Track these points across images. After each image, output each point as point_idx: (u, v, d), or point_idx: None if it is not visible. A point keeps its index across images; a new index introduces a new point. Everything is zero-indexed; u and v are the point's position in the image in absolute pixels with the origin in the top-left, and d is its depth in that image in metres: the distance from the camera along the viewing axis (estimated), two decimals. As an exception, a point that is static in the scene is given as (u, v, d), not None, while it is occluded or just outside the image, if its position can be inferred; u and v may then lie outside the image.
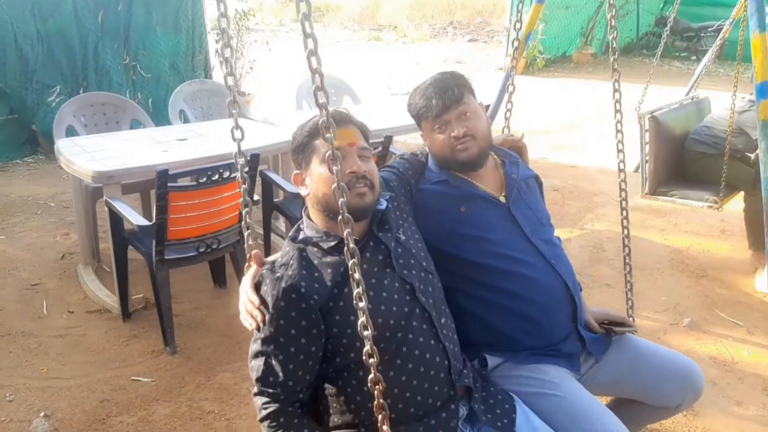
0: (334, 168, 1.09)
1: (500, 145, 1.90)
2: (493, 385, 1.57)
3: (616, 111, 2.09)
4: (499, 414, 1.47)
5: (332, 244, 1.40)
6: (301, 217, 1.51)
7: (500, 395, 1.53)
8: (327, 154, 1.11)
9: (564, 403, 1.54)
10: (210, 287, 3.29)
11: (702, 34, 11.48)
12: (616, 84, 2.09)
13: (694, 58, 11.05)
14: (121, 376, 2.56)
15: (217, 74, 6.55)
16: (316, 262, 1.38)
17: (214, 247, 2.79)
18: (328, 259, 1.38)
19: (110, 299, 3.05)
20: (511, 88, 2.22)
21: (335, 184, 1.10)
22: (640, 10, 12.66)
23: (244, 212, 1.50)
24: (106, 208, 2.80)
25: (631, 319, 1.93)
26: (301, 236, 1.46)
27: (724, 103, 3.61)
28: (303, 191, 1.47)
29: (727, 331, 3.03)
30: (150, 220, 2.66)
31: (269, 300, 1.33)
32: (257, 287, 1.38)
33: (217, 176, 2.58)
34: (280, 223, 3.76)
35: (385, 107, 4.89)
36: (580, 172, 5.45)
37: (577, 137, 6.63)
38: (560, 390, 1.56)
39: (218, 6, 1.39)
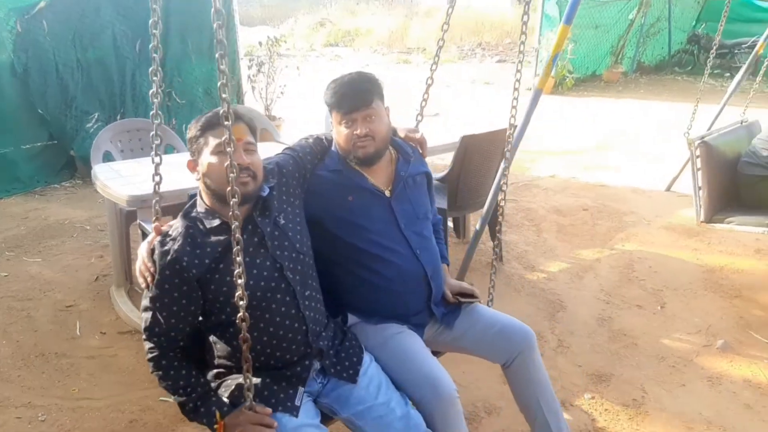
0: (226, 163, 1.41)
1: (402, 139, 2.12)
2: (350, 340, 1.88)
3: (515, 89, 2.33)
4: (347, 366, 1.80)
5: (215, 224, 1.66)
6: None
7: (352, 349, 1.85)
8: (214, 147, 1.62)
9: (395, 349, 1.88)
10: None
11: (736, 51, 11.29)
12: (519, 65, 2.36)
13: (728, 75, 10.86)
14: (149, 396, 2.60)
15: (249, 99, 6.70)
16: (199, 239, 1.64)
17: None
18: (210, 238, 1.65)
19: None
20: (429, 81, 2.48)
21: (232, 174, 1.41)
22: (672, 27, 12.53)
23: (154, 184, 1.82)
24: (139, 231, 2.87)
25: (476, 291, 2.17)
26: (192, 212, 1.70)
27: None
28: (195, 176, 1.70)
29: (762, 353, 2.94)
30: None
31: (158, 266, 1.61)
32: (151, 252, 1.64)
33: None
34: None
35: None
36: (611, 192, 5.37)
37: (608, 157, 6.54)
38: (394, 340, 1.91)
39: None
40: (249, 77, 6.59)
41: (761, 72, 4.58)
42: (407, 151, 2.08)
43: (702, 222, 3.57)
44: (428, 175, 2.14)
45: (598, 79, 11.49)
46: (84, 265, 3.86)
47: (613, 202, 5.08)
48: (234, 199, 1.41)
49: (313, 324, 1.76)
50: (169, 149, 4.01)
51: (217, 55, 1.37)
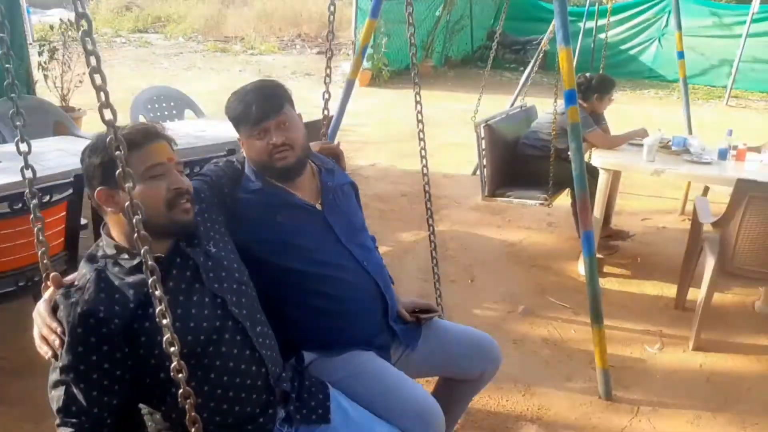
0: (126, 185, 1.11)
1: (318, 152, 1.96)
2: (309, 379, 1.62)
3: (419, 121, 2.33)
4: (314, 406, 1.54)
5: (135, 263, 1.33)
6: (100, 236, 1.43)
7: (314, 387, 1.59)
8: (145, 171, 1.29)
9: (371, 378, 1.67)
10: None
11: (528, 47, 12.59)
12: (418, 96, 2.31)
13: (522, 69, 12.09)
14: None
15: (41, 89, 6.00)
16: (117, 283, 1.32)
17: (36, 279, 2.54)
18: (131, 279, 1.32)
19: None
20: (326, 96, 2.28)
21: (162, 199, 1.26)
22: (474, 25, 13.62)
23: (36, 230, 1.44)
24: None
25: (435, 304, 2.12)
26: (100, 254, 1.38)
27: (548, 108, 4.01)
28: (112, 209, 1.36)
29: (556, 314, 3.35)
30: (-43, 254, 2.37)
31: (66, 326, 1.26)
32: (54, 311, 1.30)
33: (35, 201, 2.36)
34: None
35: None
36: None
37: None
38: (366, 368, 1.69)
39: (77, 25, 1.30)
40: (40, 64, 5.90)
41: (537, 63, 5.20)
42: (327, 162, 1.92)
43: (486, 196, 3.99)
44: (354, 185, 1.98)
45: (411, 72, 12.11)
46: None
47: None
48: (136, 216, 1.13)
49: (272, 364, 1.48)
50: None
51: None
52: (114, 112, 1.09)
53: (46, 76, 5.89)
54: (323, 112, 2.37)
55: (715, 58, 11.43)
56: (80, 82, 6.09)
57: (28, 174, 1.42)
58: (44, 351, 1.30)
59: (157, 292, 1.10)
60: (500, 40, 5.53)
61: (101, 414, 1.29)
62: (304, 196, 1.78)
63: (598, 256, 3.61)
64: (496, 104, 5.08)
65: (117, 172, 1.11)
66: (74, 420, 1.27)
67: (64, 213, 2.52)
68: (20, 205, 2.33)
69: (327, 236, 1.75)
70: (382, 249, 3.95)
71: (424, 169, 2.33)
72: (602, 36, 6.39)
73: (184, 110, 4.80)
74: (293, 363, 1.66)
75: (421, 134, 2.28)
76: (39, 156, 3.12)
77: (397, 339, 1.83)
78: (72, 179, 2.51)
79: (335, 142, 2.10)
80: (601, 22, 6.53)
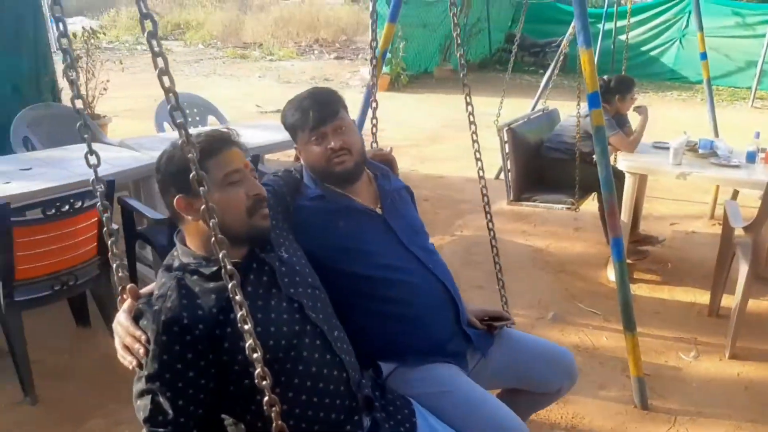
0: (201, 189, 1.11)
1: (371, 159, 1.94)
2: (391, 392, 1.58)
3: (471, 123, 2.23)
4: (401, 419, 1.50)
5: (214, 269, 1.32)
6: (168, 245, 1.42)
7: (398, 401, 1.55)
8: (223, 177, 1.32)
9: (456, 398, 1.61)
10: (73, 328, 3.02)
11: (547, 50, 12.51)
12: (468, 98, 2.22)
13: (541, 71, 12.02)
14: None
15: (67, 97, 6.07)
16: (197, 289, 1.31)
17: (71, 283, 2.56)
18: (211, 285, 1.31)
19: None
20: (374, 104, 2.27)
21: (243, 206, 1.29)
22: (491, 28, 13.57)
23: (110, 243, 1.40)
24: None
25: (507, 312, 2.07)
26: (176, 264, 1.37)
27: (570, 112, 3.96)
28: (191, 217, 1.36)
29: (587, 320, 3.30)
30: (-7, 261, 2.39)
31: (150, 335, 1.26)
32: (136, 320, 1.29)
33: (67, 207, 2.38)
34: (147, 252, 3.55)
35: (252, 125, 4.81)
36: (447, 182, 5.69)
37: (443, 149, 6.93)
38: (451, 386, 1.64)
39: (57, 26, 1.30)
40: (64, 72, 5.96)
41: (558, 66, 5.13)
42: (382, 167, 1.91)
43: (511, 201, 3.95)
44: (409, 190, 1.97)
45: (430, 77, 12.11)
46: None
47: (450, 191, 5.40)
48: (212, 219, 1.12)
49: (352, 369, 1.46)
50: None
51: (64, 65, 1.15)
52: (185, 115, 1.07)
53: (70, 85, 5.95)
54: (371, 120, 2.34)
55: (739, 59, 11.23)
56: (104, 89, 6.17)
57: (99, 188, 1.43)
58: (128, 361, 1.29)
59: (238, 297, 1.09)
60: (519, 42, 5.50)
61: (187, 423, 1.28)
62: (364, 201, 1.77)
63: (628, 261, 3.55)
64: (516, 107, 5.04)
65: (191, 175, 1.10)
66: (161, 430, 1.26)
67: (96, 219, 2.53)
68: (53, 210, 2.35)
69: (389, 240, 1.74)
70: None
71: (480, 171, 2.29)
72: (622, 37, 6.32)
73: (207, 117, 4.83)
74: (371, 375, 1.63)
75: (474, 136, 2.23)
76: (68, 162, 3.17)
77: (471, 345, 1.78)
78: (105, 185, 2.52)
79: (388, 148, 2.08)
80: (620, 23, 6.46)
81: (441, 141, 7.31)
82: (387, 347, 1.68)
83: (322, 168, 1.71)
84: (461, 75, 2.20)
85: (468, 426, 1.57)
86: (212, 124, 4.90)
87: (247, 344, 1.09)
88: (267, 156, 4.55)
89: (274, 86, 10.95)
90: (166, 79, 1.05)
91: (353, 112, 2.41)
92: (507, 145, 3.84)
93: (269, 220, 1.41)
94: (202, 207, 1.13)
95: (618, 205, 2.97)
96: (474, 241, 4.31)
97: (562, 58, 5.55)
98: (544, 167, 4.06)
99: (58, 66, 6.05)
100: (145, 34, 1.05)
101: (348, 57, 14.41)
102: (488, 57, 13.81)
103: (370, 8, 2.39)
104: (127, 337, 1.29)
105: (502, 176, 5.71)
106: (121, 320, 1.32)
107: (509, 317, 1.95)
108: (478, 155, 2.26)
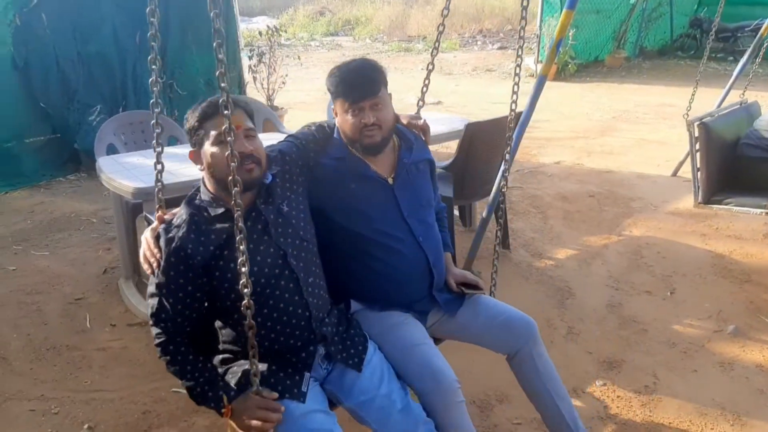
0: (227, 153, 1.43)
1: (405, 126, 2.11)
2: (354, 328, 1.88)
3: (515, 75, 2.31)
4: (352, 353, 1.81)
5: (219, 212, 1.66)
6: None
7: (357, 337, 1.85)
8: (215, 137, 1.63)
9: (397, 337, 1.88)
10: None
11: (738, 35, 11.21)
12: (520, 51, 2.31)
13: (731, 58, 10.79)
14: (161, 388, 2.60)
15: (251, 90, 6.66)
16: (203, 227, 1.65)
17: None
18: (215, 226, 1.66)
19: (150, 312, 3.11)
20: (430, 66, 2.45)
21: (232, 163, 1.43)
22: (674, 12, 12.44)
23: (156, 173, 1.79)
24: (145, 223, 2.86)
25: (481, 282, 2.16)
26: (196, 200, 1.71)
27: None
28: (199, 166, 1.71)
29: (774, 338, 2.93)
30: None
31: (163, 253, 1.63)
32: (156, 239, 1.66)
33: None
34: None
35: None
36: (617, 177, 5.35)
37: (613, 142, 6.52)
38: (397, 327, 1.91)
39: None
40: (250, 68, 6.55)
41: (760, 54, 4.55)
42: (409, 138, 2.07)
43: (699, 203, 3.58)
44: (431, 162, 2.12)
45: (600, 65, 11.42)
46: (92, 258, 3.85)
47: (619, 187, 5.06)
48: (236, 188, 1.42)
49: (316, 310, 1.77)
50: (172, 141, 3.98)
51: (214, 44, 1.38)
52: (228, 82, 1.41)
53: (255, 79, 6.53)
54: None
55: None
56: (283, 83, 6.67)
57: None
58: (146, 267, 1.67)
59: (242, 247, 1.44)
60: (705, 27, 4.97)
61: (183, 323, 1.67)
62: (380, 169, 1.97)
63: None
64: (701, 98, 4.56)
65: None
66: (162, 324, 1.66)
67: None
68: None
69: (391, 209, 1.95)
70: (564, 252, 3.82)
71: (513, 104, 2.33)
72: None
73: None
74: (342, 308, 1.93)
75: (518, 69, 2.29)
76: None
77: (438, 306, 2.03)
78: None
79: (422, 120, 2.19)
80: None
81: (610, 133, 6.88)
82: (363, 292, 1.97)
83: (353, 137, 1.92)
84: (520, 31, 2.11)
85: (404, 364, 1.83)
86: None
87: (241, 282, 1.44)
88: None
89: (435, 78, 11.04)
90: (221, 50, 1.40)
91: (521, 103, 2.39)
92: (698, 142, 3.50)
93: (253, 174, 1.65)
94: (206, 161, 1.65)
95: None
96: (644, 242, 4.01)
97: (760, 43, 4.92)
98: (741, 167, 3.63)
99: (244, 62, 6.68)
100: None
101: (512, 47, 14.08)
102: (668, 43, 12.70)
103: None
104: (147, 250, 1.66)
105: (680, 173, 5.28)
106: (147, 236, 1.69)
107: (482, 287, 2.11)
108: (516, 88, 2.31)
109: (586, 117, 7.70)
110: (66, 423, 2.41)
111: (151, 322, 1.68)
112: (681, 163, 5.24)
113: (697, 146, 3.50)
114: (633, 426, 2.39)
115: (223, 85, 1.38)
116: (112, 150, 3.67)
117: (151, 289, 1.67)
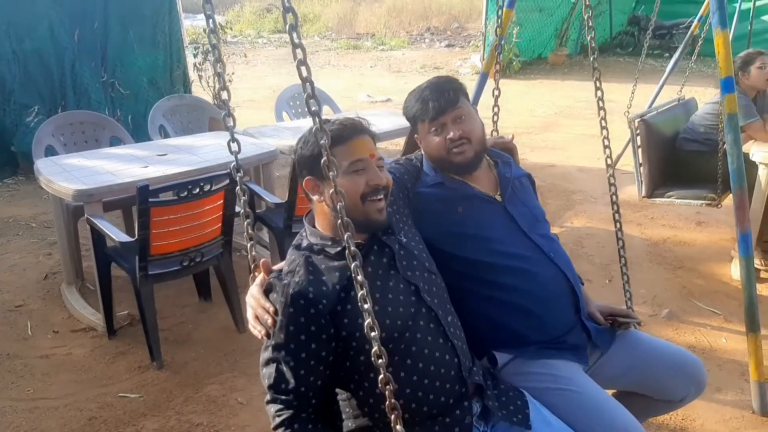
0: (330, 173, 1.16)
1: (492, 147, 1.93)
2: (504, 383, 1.58)
3: (600, 108, 2.11)
4: (513, 410, 1.49)
5: (339, 249, 1.41)
6: (284, 228, 1.52)
7: (511, 392, 1.54)
8: (349, 165, 1.39)
9: (577, 397, 1.56)
10: (195, 301, 3.30)
11: (674, 32, 11.68)
12: (598, 82, 2.10)
13: (668, 55, 11.25)
14: (108, 393, 2.56)
15: (196, 88, 6.56)
16: (322, 267, 1.39)
17: (197, 260, 2.81)
18: (335, 263, 1.40)
19: (95, 317, 3.05)
20: (496, 92, 2.29)
21: (359, 193, 1.35)
22: (613, 9, 12.87)
23: (246, 223, 1.54)
24: (88, 227, 2.80)
25: (633, 312, 1.96)
26: (305, 243, 1.46)
27: (707, 99, 3.69)
28: (316, 198, 1.46)
29: (704, 320, 3.11)
30: (132, 237, 2.67)
31: (278, 307, 1.35)
32: (266, 294, 1.39)
33: (198, 190, 2.61)
34: (264, 234, 3.78)
35: (363, 115, 4.92)
36: (559, 171, 5.53)
37: (555, 137, 6.73)
38: (572, 384, 1.59)
39: (207, 23, 1.44)
40: (195, 65, 6.45)
41: (696, 51, 4.78)
42: (503, 155, 1.90)
43: (644, 197, 3.74)
44: (530, 178, 1.94)
45: (543, 62, 11.73)
46: (31, 263, 3.74)
47: (561, 181, 5.24)
48: (339, 203, 1.17)
49: (463, 356, 1.47)
50: (115, 141, 3.91)
51: (295, 62, 1.18)
52: (319, 104, 1.14)
53: (200, 77, 6.43)
54: (493, 109, 2.37)
55: None
56: (229, 81, 6.57)
57: (241, 179, 1.53)
58: (258, 330, 1.38)
59: (359, 277, 1.14)
60: (643, 24, 5.19)
61: (308, 393, 1.35)
62: (483, 188, 1.76)
63: (756, 266, 3.29)
64: (640, 94, 4.76)
65: (322, 161, 1.16)
66: (283, 397, 1.34)
67: (221, 201, 2.75)
68: (185, 193, 2.58)
69: (510, 227, 1.71)
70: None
71: (608, 159, 2.19)
72: (766, 18, 5.77)
73: (322, 107, 5.02)
74: (485, 363, 1.63)
75: (603, 122, 2.12)
76: (196, 150, 3.44)
77: (590, 340, 1.71)
78: (228, 170, 2.73)
79: (510, 136, 2.07)
80: (759, 2, 5.90)
81: (553, 129, 7.10)
82: (504, 336, 1.65)
83: (442, 158, 1.73)
84: (591, 59, 2.12)
85: (587, 427, 1.52)
86: (327, 113, 5.10)
87: (365, 323, 1.13)
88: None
89: (385, 76, 11.12)
90: (304, 69, 1.14)
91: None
92: (639, 138, 3.65)
93: (384, 214, 1.45)
94: (330, 191, 1.22)
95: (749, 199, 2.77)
96: (584, 233, 4.17)
97: (700, 42, 5.16)
98: (680, 161, 3.81)
99: (189, 60, 6.57)
100: (287, 27, 1.14)
101: (459, 44, 14.29)
102: (608, 40, 13.14)
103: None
104: (258, 308, 1.38)
105: (618, 166, 5.48)
106: (254, 293, 1.41)
107: (636, 317, 1.84)
108: (606, 142, 2.14)
109: (530, 113, 7.92)
110: (8, 433, 2.35)
111: (268, 397, 1.36)
112: (619, 156, 5.45)
113: (639, 142, 3.66)
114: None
115: (313, 109, 1.14)
116: (51, 152, 3.58)
117: (266, 354, 1.36)
